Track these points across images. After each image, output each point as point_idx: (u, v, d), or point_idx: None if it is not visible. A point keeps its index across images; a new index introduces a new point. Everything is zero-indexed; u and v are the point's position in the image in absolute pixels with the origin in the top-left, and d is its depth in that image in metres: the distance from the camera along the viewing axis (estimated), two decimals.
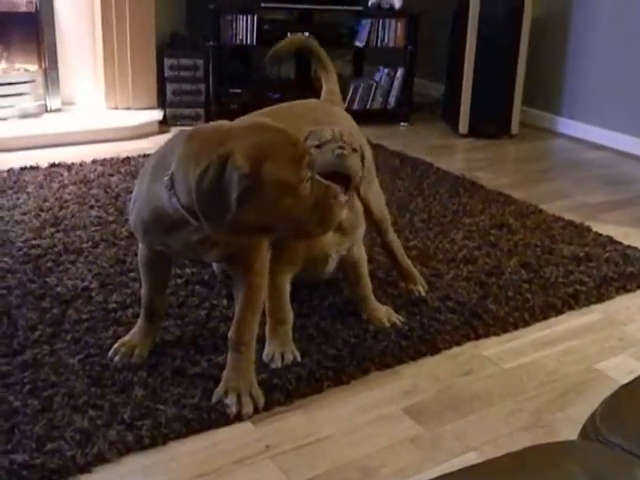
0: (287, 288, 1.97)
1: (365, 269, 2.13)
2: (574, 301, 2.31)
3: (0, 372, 1.80)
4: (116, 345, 1.90)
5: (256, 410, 1.72)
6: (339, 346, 1.97)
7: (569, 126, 4.39)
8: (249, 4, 4.27)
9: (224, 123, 1.58)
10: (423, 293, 2.28)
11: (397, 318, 2.11)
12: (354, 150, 1.87)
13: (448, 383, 1.90)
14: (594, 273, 2.49)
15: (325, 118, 2.10)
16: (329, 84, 2.37)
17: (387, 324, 2.08)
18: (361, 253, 2.11)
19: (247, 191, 1.44)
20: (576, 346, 2.10)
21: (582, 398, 1.85)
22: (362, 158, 1.92)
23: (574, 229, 2.88)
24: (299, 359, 1.89)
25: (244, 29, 4.24)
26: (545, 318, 2.23)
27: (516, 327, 2.17)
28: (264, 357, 1.87)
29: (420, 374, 1.93)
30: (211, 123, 1.63)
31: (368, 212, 2.21)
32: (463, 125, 4.24)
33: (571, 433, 1.34)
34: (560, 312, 2.27)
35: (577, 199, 3.31)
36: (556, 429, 1.73)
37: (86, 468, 1.52)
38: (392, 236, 2.32)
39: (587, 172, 3.75)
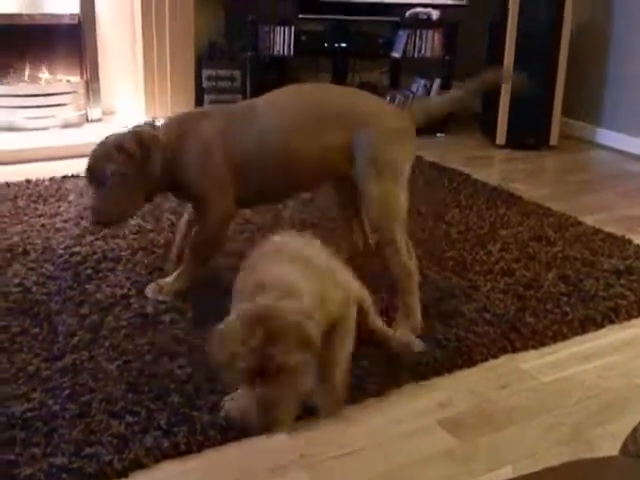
0: None
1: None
2: (614, 315, 2.27)
3: (40, 377, 1.83)
4: (152, 284, 2.24)
5: None
6: (374, 357, 1.96)
7: (610, 137, 4.32)
8: (287, 15, 4.31)
9: None
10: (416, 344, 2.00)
11: (414, 346, 1.97)
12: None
13: (484, 396, 1.88)
14: (635, 287, 2.44)
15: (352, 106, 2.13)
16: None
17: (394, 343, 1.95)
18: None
19: None
20: (616, 361, 2.06)
21: (623, 414, 1.81)
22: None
23: (614, 241, 2.83)
24: None
25: (281, 40, 4.27)
26: (585, 332, 2.19)
27: (555, 341, 2.14)
28: None
29: (456, 386, 1.91)
30: None
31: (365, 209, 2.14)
32: (501, 136, 4.20)
33: (611, 449, 1.32)
34: (600, 326, 2.23)
35: (618, 211, 3.26)
36: (596, 445, 1.69)
37: (123, 473, 1.54)
38: (398, 266, 2.06)
39: (628, 184, 3.69)
